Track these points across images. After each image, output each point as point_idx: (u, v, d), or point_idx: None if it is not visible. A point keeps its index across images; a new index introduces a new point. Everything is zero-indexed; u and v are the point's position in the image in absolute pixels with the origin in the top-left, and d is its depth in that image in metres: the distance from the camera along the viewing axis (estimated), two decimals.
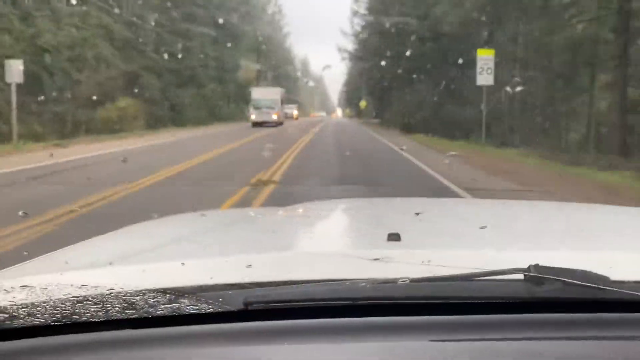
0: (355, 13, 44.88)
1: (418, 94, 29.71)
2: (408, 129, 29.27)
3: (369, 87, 50.52)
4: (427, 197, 7.02)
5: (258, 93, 38.47)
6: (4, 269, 1.28)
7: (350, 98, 76.24)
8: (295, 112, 53.74)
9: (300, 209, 2.23)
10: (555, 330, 0.89)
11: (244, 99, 47.49)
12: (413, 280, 0.95)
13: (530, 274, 0.93)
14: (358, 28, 45.44)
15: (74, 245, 1.54)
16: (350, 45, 49.14)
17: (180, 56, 35.41)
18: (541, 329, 0.89)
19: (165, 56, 35.52)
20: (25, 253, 1.89)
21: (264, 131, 30.01)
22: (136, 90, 29.10)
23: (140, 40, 33.76)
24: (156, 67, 34.01)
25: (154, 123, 29.69)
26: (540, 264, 0.94)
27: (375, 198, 3.33)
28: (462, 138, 21.35)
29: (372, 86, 47.75)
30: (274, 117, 36.65)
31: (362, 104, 54.39)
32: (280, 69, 72.09)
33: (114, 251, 1.40)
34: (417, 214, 1.67)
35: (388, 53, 33.90)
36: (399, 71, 32.55)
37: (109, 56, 27.67)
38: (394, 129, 32.85)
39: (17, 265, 1.32)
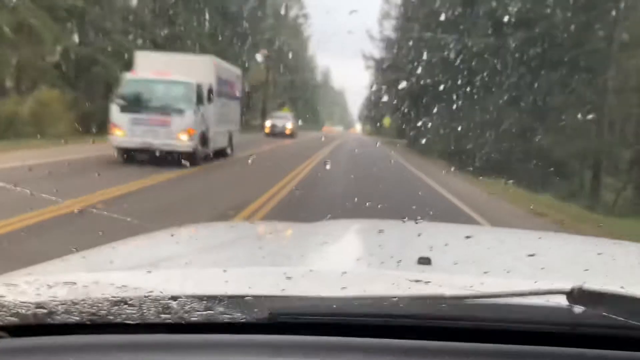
0: (385, 15, 36.09)
1: (476, 113, 19.95)
2: (459, 162, 19.43)
3: (397, 101, 40.96)
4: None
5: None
6: (50, 261, 1.31)
7: (372, 114, 66.67)
8: (289, 126, 35.68)
9: (328, 226, 2.19)
10: None
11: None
12: (445, 299, 0.93)
13: (574, 296, 0.89)
14: (388, 33, 38.07)
15: (118, 243, 1.60)
16: (377, 52, 41.63)
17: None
18: None
19: (140, 41, 26.05)
20: (73, 249, 1.59)
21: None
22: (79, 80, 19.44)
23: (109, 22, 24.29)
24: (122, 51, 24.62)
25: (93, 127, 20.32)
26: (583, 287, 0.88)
27: (404, 222, 2.47)
28: (557, 188, 13.62)
29: (400, 100, 39.71)
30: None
31: (387, 121, 44.81)
32: (296, 74, 62.74)
33: (155, 254, 1.45)
34: (468, 237, 1.72)
35: (427, 57, 27.26)
36: (440, 82, 25.68)
37: (40, 26, 18.35)
38: (435, 159, 24.63)
39: (62, 257, 1.35)
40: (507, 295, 0.93)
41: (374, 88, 59.49)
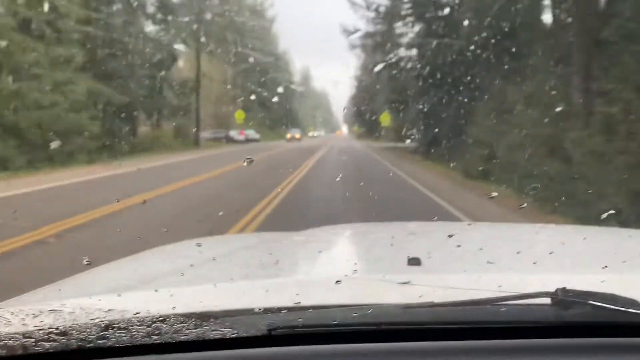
0: None
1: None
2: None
3: (398, 88, 27.64)
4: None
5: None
6: (33, 291, 1.31)
7: (360, 111, 52.64)
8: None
9: (317, 233, 2.21)
10: (583, 355, 0.89)
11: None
12: (439, 305, 0.96)
13: (558, 297, 0.94)
14: None
15: (100, 268, 1.59)
16: (363, 24, 29.98)
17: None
18: (569, 354, 0.89)
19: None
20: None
21: None
22: None
23: None
24: None
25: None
26: (567, 287, 0.94)
27: (392, 222, 2.89)
28: None
29: (403, 86, 28.17)
30: None
31: (384, 118, 31.08)
32: (265, 73, 49.45)
33: (138, 275, 1.45)
34: (450, 236, 1.73)
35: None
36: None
37: None
38: (468, 179, 14.64)
39: (45, 286, 1.35)
40: (496, 300, 0.96)
41: (363, 73, 46.51)
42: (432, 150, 22.25)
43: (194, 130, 32.02)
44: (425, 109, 23.89)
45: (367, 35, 28.04)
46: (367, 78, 41.95)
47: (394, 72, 28.16)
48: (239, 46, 40.07)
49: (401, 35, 27.70)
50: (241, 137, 43.51)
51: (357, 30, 28.40)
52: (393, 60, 27.54)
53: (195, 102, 32.44)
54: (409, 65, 26.91)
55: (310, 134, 76.59)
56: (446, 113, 20.61)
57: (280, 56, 68.62)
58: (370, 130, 49.03)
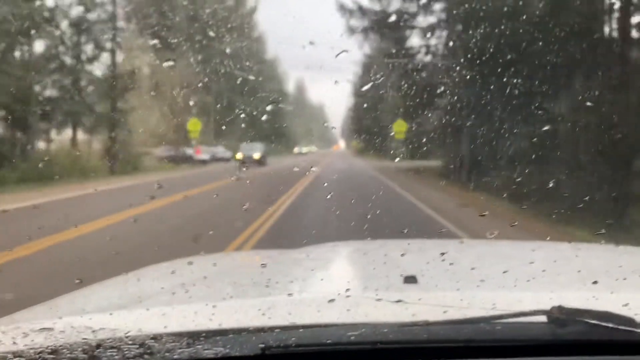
0: None
1: None
2: None
3: (414, 89, 18.77)
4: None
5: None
6: (24, 310, 1.37)
7: (362, 121, 43.42)
8: None
9: (311, 250, 2.36)
10: None
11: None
12: (434, 324, 1.01)
13: (554, 315, 0.99)
14: None
15: (91, 286, 1.69)
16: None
17: None
18: None
19: None
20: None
21: None
22: None
23: None
24: None
25: None
26: (562, 305, 1.01)
27: (388, 240, 2.90)
28: None
29: (422, 85, 21.22)
30: None
31: (400, 128, 22.15)
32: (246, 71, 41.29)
33: (130, 293, 1.52)
34: (442, 254, 1.84)
35: None
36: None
37: None
38: None
39: (36, 305, 1.41)
40: (491, 318, 1.02)
41: (365, 74, 37.71)
42: (474, 173, 16.84)
43: (125, 147, 22.69)
44: (463, 111, 15.42)
45: (372, 15, 19.53)
46: (370, 79, 33.35)
47: (413, 65, 19.66)
48: (213, 40, 31.27)
49: (415, 15, 19.49)
50: (200, 157, 35.85)
51: (358, 8, 19.83)
52: (410, 51, 19.40)
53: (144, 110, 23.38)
54: (435, 53, 18.66)
55: (296, 149, 67.24)
56: (498, 116, 14.38)
57: (268, 63, 60.70)
58: (372, 145, 39.68)
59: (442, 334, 0.98)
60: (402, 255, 1.99)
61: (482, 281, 1.54)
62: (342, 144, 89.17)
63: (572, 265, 1.84)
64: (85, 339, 0.96)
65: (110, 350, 0.91)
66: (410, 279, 1.40)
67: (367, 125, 43.22)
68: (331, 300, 1.24)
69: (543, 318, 0.98)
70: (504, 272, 1.60)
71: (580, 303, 1.02)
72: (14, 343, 0.98)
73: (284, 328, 1.01)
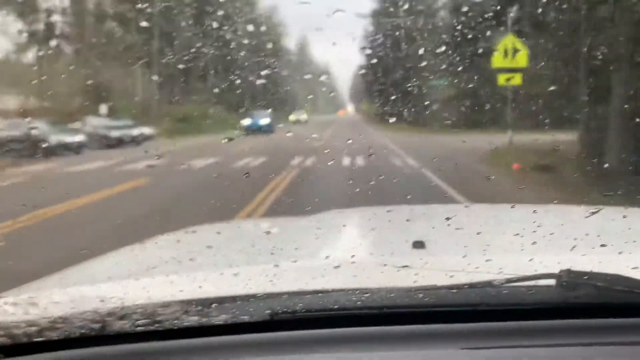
0: None
1: None
2: None
3: None
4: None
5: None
6: (35, 281, 1.39)
7: (373, 82, 36.57)
8: None
9: (318, 217, 2.31)
10: (588, 336, 0.93)
11: None
12: (441, 288, 1.02)
13: (563, 279, 0.99)
14: None
15: (101, 257, 1.69)
16: None
17: None
18: (574, 335, 0.93)
19: None
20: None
21: None
22: None
23: None
24: None
25: None
26: (571, 268, 1.02)
27: (397, 205, 2.68)
28: None
29: None
30: None
31: (521, 58, 11.15)
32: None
33: (140, 263, 1.54)
34: (448, 219, 1.81)
35: None
36: None
37: None
38: None
39: (47, 276, 1.43)
40: (499, 282, 1.01)
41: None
42: None
43: None
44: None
45: None
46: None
47: None
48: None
49: None
50: (73, 139, 21.23)
51: None
52: None
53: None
54: None
55: (292, 117, 46.77)
56: None
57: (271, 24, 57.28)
58: (396, 109, 29.04)
59: (449, 298, 0.99)
60: (407, 220, 2.00)
61: (489, 245, 1.56)
62: (350, 108, 79.37)
63: (581, 228, 1.83)
64: (95, 308, 0.98)
65: (121, 320, 0.93)
66: (418, 244, 1.41)
67: (393, 81, 28.96)
68: (337, 267, 1.28)
69: (552, 282, 0.98)
70: (511, 235, 1.61)
71: (589, 266, 1.02)
72: (27, 313, 1.00)
73: (291, 294, 1.02)
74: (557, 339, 0.90)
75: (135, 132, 23.74)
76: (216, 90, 35.22)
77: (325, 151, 18.29)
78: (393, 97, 26.89)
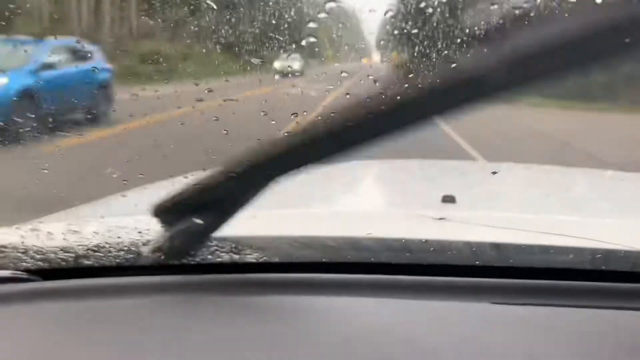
0: None
1: None
2: None
3: None
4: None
5: None
6: (75, 207, 1.42)
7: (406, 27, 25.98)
8: None
9: (352, 166, 2.27)
10: (621, 300, 0.93)
11: None
12: (473, 244, 1.03)
13: (596, 243, 1.01)
14: None
15: (139, 188, 1.76)
16: None
17: None
18: (606, 298, 0.93)
19: None
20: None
21: None
22: None
23: None
24: None
25: None
26: (606, 231, 1.02)
27: (425, 160, 2.86)
28: None
29: None
30: None
31: None
32: None
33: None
34: (494, 173, 1.82)
35: None
36: None
37: None
38: None
39: (87, 203, 1.48)
40: (532, 241, 1.03)
41: None
42: None
43: None
44: None
45: None
46: None
47: None
48: None
49: None
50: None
51: None
52: None
53: None
54: None
55: (277, 63, 20.62)
56: None
57: None
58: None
59: (482, 254, 1.00)
60: (442, 174, 2.05)
61: (523, 204, 1.56)
62: (376, 57, 71.46)
63: (617, 192, 1.82)
64: (131, 238, 1.00)
65: (156, 251, 0.95)
66: (449, 198, 1.42)
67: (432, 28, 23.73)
68: (371, 215, 1.30)
69: (586, 243, 1.00)
70: (545, 195, 1.60)
71: (627, 231, 1.02)
72: (64, 239, 1.02)
73: (332, 239, 1.04)
74: (590, 300, 0.90)
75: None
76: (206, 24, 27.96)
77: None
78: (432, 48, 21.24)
